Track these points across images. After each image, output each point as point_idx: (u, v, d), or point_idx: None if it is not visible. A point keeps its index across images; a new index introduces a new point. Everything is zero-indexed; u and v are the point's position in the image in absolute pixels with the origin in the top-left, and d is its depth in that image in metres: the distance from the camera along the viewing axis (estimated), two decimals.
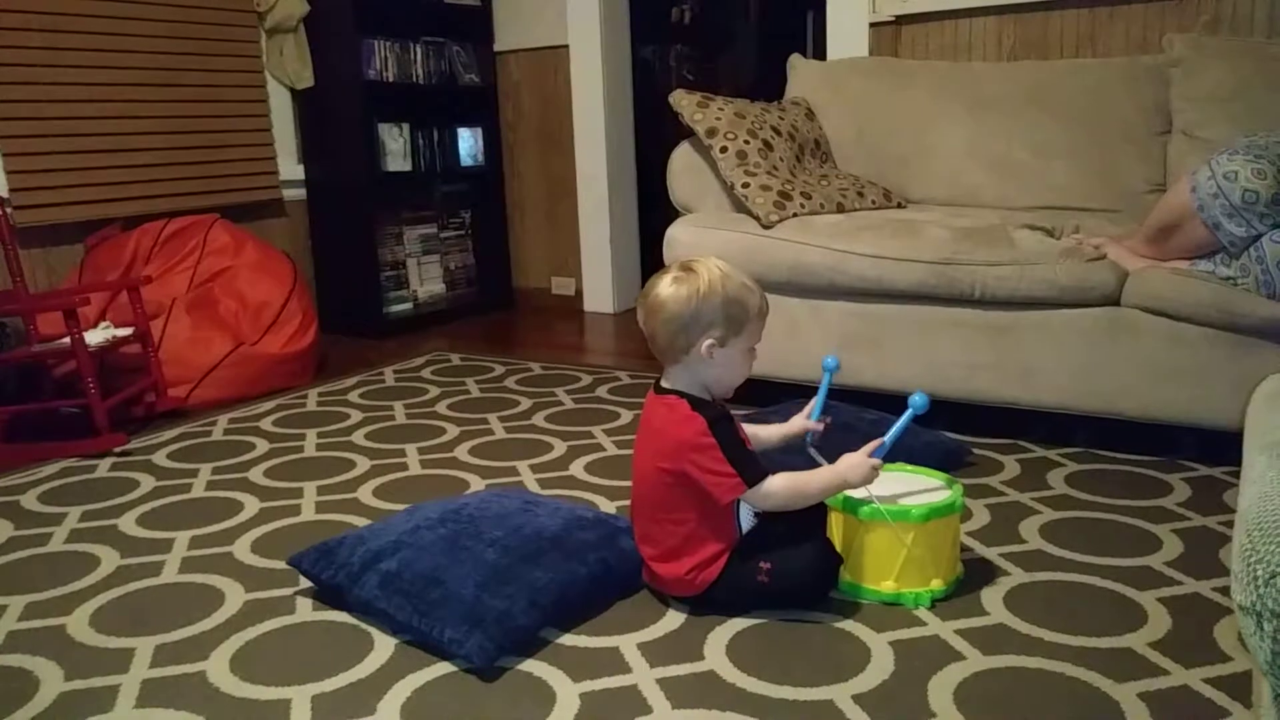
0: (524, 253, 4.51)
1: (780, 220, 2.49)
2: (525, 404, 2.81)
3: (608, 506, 1.98)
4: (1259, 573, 0.82)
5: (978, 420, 2.38)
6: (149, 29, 3.34)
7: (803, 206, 2.56)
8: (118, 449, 2.47)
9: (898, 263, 2.28)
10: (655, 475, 1.52)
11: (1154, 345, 2.08)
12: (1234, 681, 1.31)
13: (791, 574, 1.50)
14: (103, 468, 2.36)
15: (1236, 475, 1.31)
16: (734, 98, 2.80)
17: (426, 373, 3.21)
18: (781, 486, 1.49)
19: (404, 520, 1.66)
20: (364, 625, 1.53)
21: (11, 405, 2.62)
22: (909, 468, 1.73)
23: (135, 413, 2.79)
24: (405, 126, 4.01)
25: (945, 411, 2.30)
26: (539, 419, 2.66)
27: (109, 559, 1.83)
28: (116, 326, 2.76)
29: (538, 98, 4.29)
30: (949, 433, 2.30)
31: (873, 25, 3.36)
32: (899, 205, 2.81)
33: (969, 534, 1.81)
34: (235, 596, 1.66)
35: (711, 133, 2.63)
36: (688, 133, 2.74)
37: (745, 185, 2.55)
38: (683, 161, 2.76)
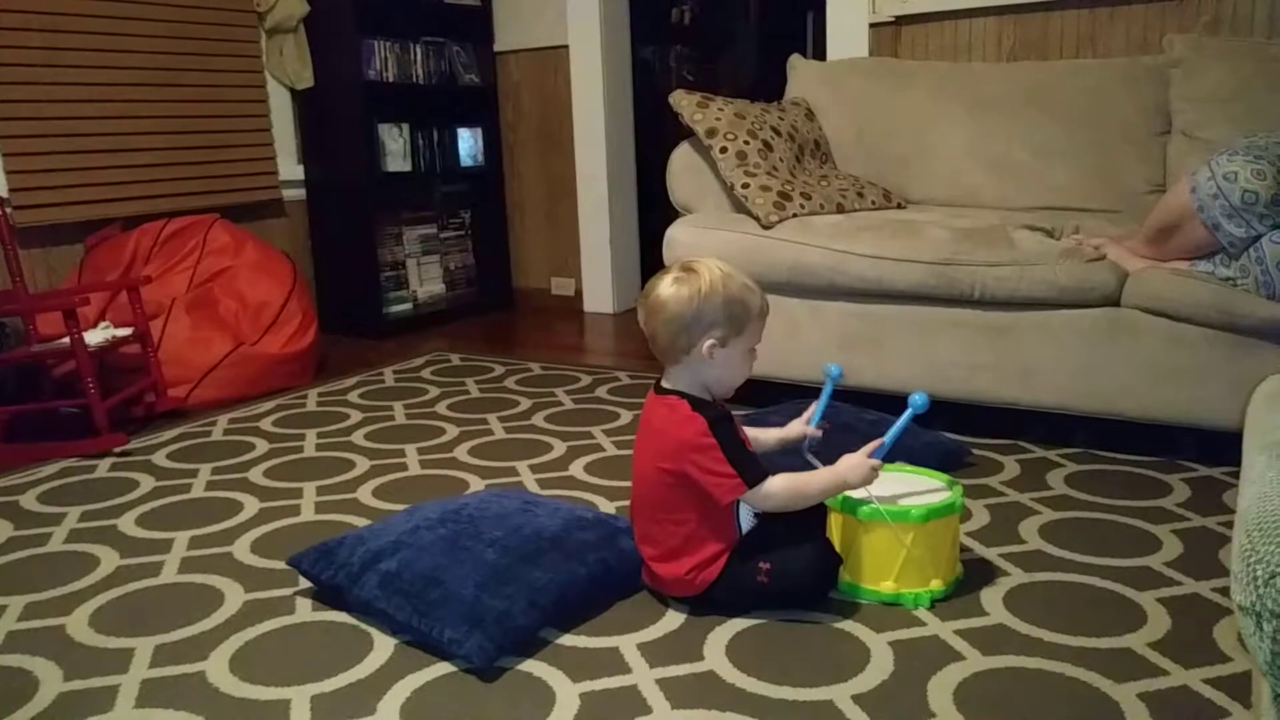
0: (524, 253, 4.52)
1: (780, 221, 2.49)
2: (525, 404, 2.81)
3: (607, 507, 1.98)
4: (1258, 573, 0.82)
5: (977, 421, 2.38)
6: (149, 29, 3.34)
7: (802, 207, 2.56)
8: (117, 449, 2.47)
9: (898, 263, 2.29)
10: (655, 475, 1.52)
11: (1154, 346, 2.08)
12: (1234, 682, 1.31)
13: (791, 574, 1.50)
14: (102, 468, 2.36)
15: (1236, 476, 1.31)
16: (734, 98, 2.80)
17: (426, 373, 3.21)
18: (782, 487, 1.49)
19: (404, 520, 1.66)
20: (364, 625, 1.53)
21: (11, 405, 2.62)
22: (909, 468, 1.73)
23: (135, 413, 2.79)
24: (405, 127, 4.01)
25: (945, 412, 2.30)
26: (539, 419, 2.66)
27: (108, 559, 1.83)
28: (116, 326, 2.76)
29: (538, 98, 4.29)
30: (949, 433, 2.30)
31: (872, 26, 3.36)
32: (899, 206, 2.81)
33: (968, 534, 1.81)
34: (235, 597, 1.66)
35: (711, 133, 2.63)
36: (687, 133, 2.74)
37: (745, 186, 2.55)
38: (682, 162, 2.76)
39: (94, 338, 2.62)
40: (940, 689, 1.32)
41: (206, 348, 2.90)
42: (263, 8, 3.66)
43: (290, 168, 3.90)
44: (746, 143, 2.62)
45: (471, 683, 1.37)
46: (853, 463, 1.52)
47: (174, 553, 1.85)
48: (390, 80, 3.95)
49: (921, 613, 1.53)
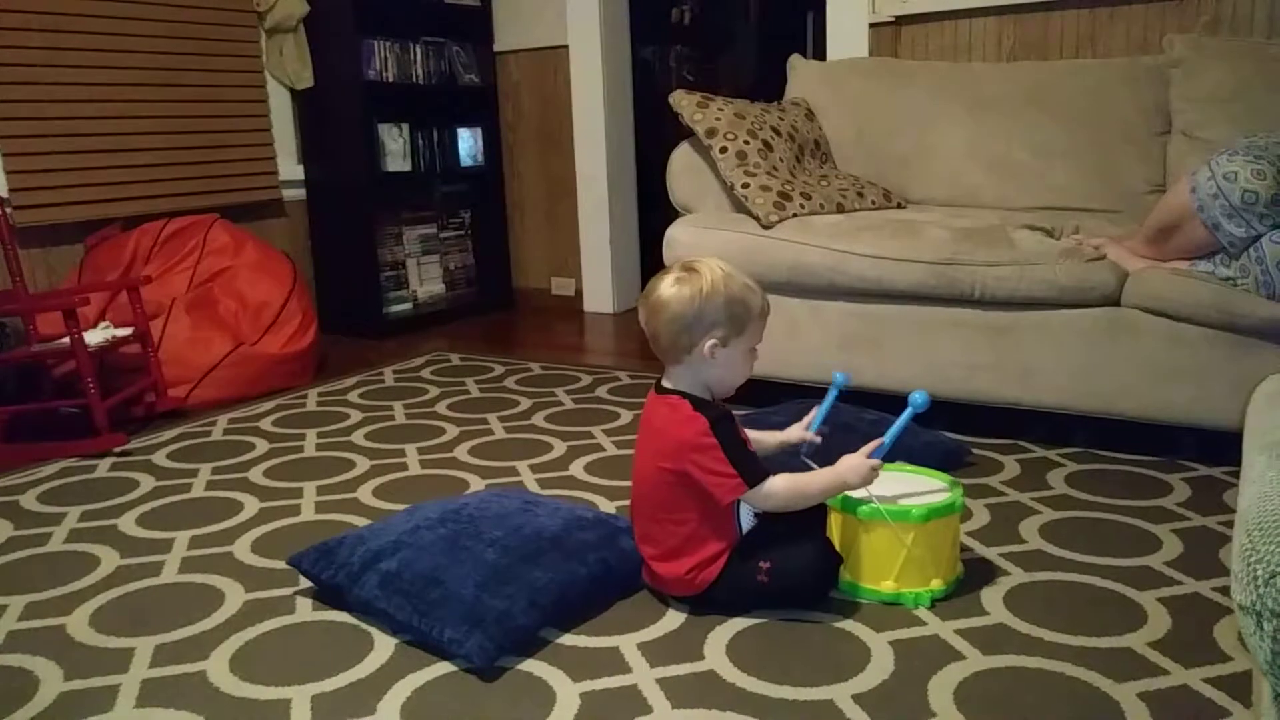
0: (524, 253, 4.52)
1: (780, 220, 2.49)
2: (525, 404, 2.81)
3: (607, 506, 1.98)
4: (1259, 572, 0.82)
5: (977, 420, 2.38)
6: (149, 29, 3.34)
7: (802, 207, 2.56)
8: (117, 449, 2.47)
9: (898, 263, 2.29)
10: (656, 475, 1.52)
11: (1154, 345, 2.08)
12: (1234, 681, 1.31)
13: (791, 573, 1.50)
14: (102, 468, 2.36)
15: (1236, 475, 1.31)
16: (734, 98, 2.80)
17: (426, 373, 3.21)
18: (782, 487, 1.49)
19: (404, 520, 1.66)
20: (364, 625, 1.53)
21: (11, 405, 2.62)
22: (909, 468, 1.73)
23: (135, 413, 2.78)
24: (405, 127, 4.01)
25: (945, 411, 2.30)
26: (539, 419, 2.66)
27: (109, 559, 1.83)
28: (116, 326, 2.76)
29: (537, 98, 4.29)
30: (949, 433, 2.30)
31: (872, 26, 3.36)
32: (899, 206, 2.81)
33: (969, 534, 1.81)
34: (235, 596, 1.66)
35: (711, 133, 2.63)
36: (687, 133, 2.74)
37: (745, 185, 2.55)
38: (682, 162, 2.76)
39: (94, 338, 2.62)
40: (941, 688, 1.32)
41: (206, 348, 2.90)
42: (262, 8, 3.66)
43: (290, 168, 3.90)
44: (746, 143, 2.62)
45: (472, 682, 1.37)
46: (852, 463, 1.52)
47: (174, 552, 1.85)
48: (390, 80, 3.95)
49: (922, 612, 1.53)
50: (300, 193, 3.95)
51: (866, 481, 1.52)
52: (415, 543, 1.56)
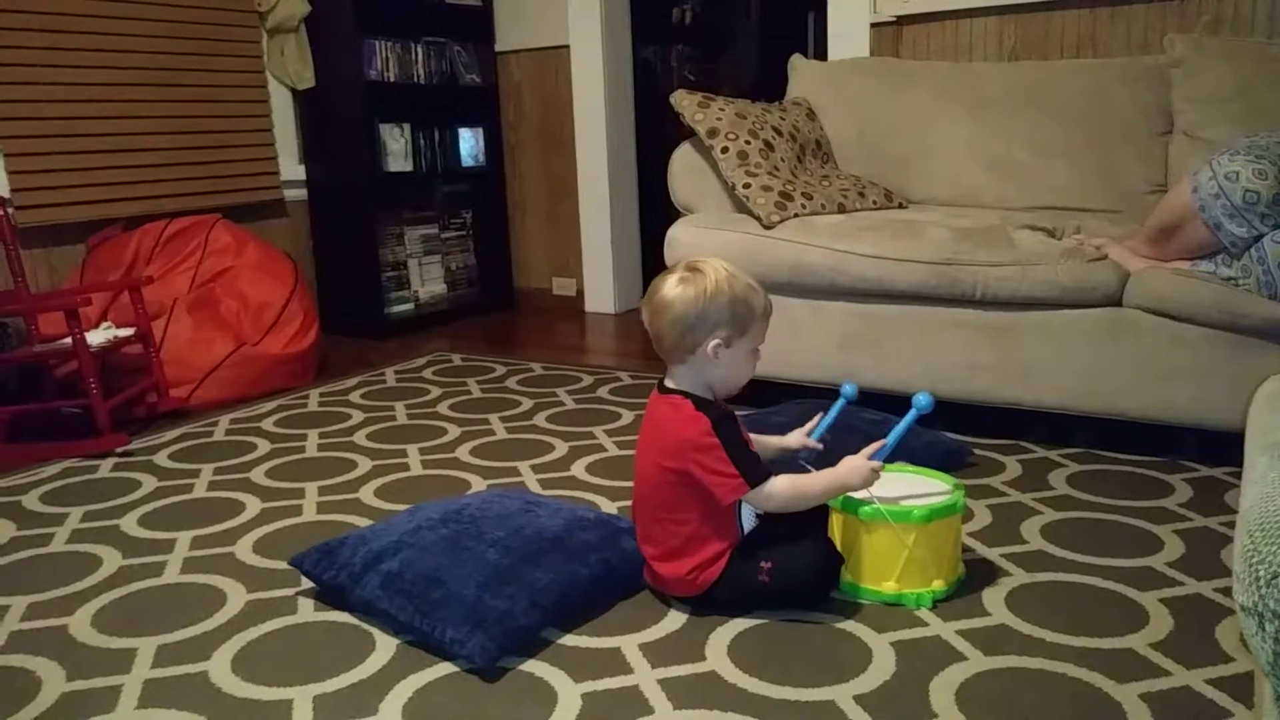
0: (525, 253, 4.52)
1: (781, 221, 2.49)
2: (526, 404, 2.81)
3: (609, 507, 1.98)
4: (1261, 573, 0.82)
5: (978, 421, 2.38)
6: (150, 29, 3.34)
7: (804, 207, 2.56)
8: (119, 449, 2.47)
9: (899, 263, 2.29)
10: (658, 475, 1.52)
11: (1155, 346, 2.08)
12: (1236, 682, 1.31)
13: (793, 574, 1.50)
14: (104, 468, 2.36)
15: (1238, 476, 1.31)
16: (735, 98, 2.80)
17: (428, 373, 3.21)
18: (784, 488, 1.49)
19: (405, 521, 1.66)
20: (365, 625, 1.54)
21: (13, 405, 2.62)
22: (910, 468, 1.73)
23: (137, 413, 2.79)
24: (406, 127, 4.01)
25: (946, 412, 2.29)
26: (540, 419, 2.66)
27: (111, 559, 1.83)
28: (118, 327, 2.76)
29: (539, 98, 4.29)
30: (950, 433, 2.30)
31: (874, 25, 3.36)
32: (900, 206, 2.81)
33: (970, 534, 1.81)
34: (237, 597, 1.66)
35: (713, 133, 2.63)
36: (689, 133, 2.74)
37: (746, 186, 2.55)
38: (684, 162, 2.76)
39: (96, 338, 2.62)
40: (942, 689, 1.32)
41: (208, 348, 2.90)
42: (264, 8, 3.67)
43: (292, 168, 3.90)
44: (748, 143, 2.62)
45: (473, 683, 1.37)
46: (854, 465, 1.52)
47: (176, 553, 1.85)
48: (391, 80, 3.95)
49: (923, 613, 1.53)
50: (302, 193, 3.95)
51: (867, 483, 1.52)
52: (417, 543, 1.56)
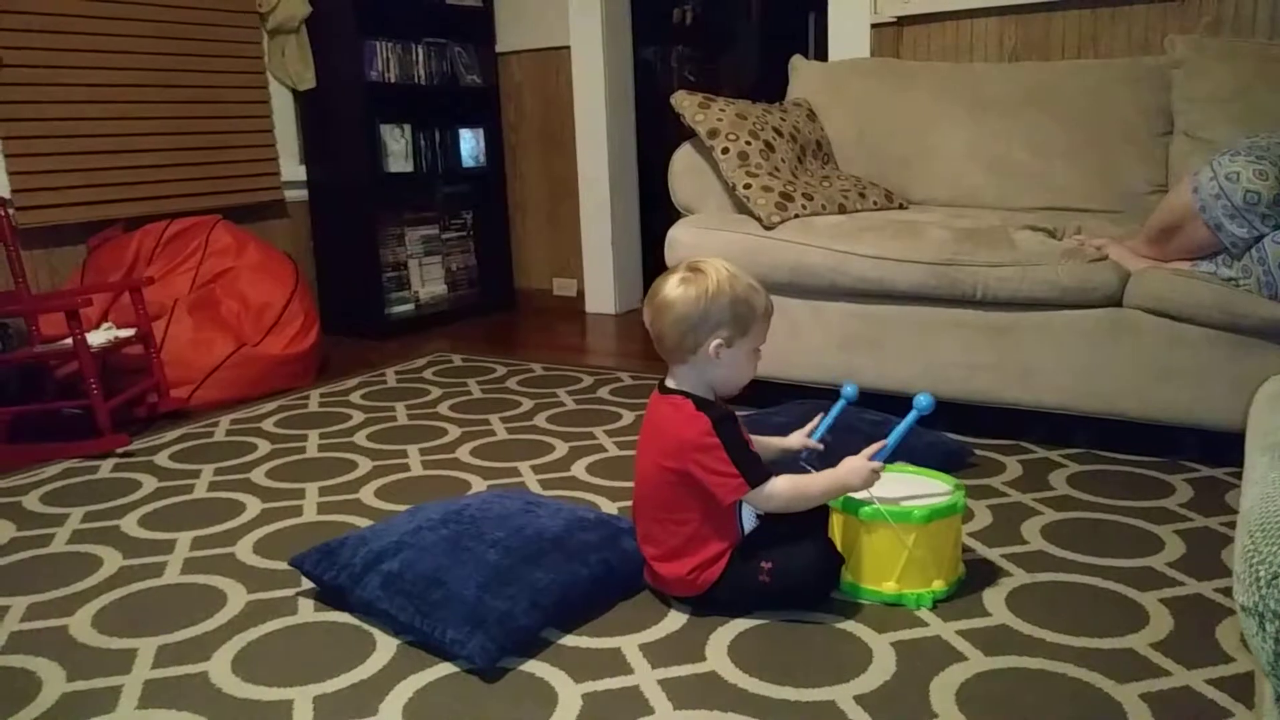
0: (525, 254, 4.52)
1: (782, 221, 2.49)
2: (527, 405, 2.81)
3: (609, 507, 1.98)
4: (1261, 574, 0.82)
5: (979, 421, 2.37)
6: (151, 30, 3.34)
7: (804, 208, 2.56)
8: (120, 450, 2.47)
9: (899, 264, 2.29)
10: (658, 475, 1.52)
11: (1155, 346, 2.08)
12: (1236, 682, 1.31)
13: (793, 574, 1.50)
14: (105, 468, 2.36)
15: (1238, 476, 1.31)
16: (735, 99, 2.80)
17: (428, 374, 3.21)
18: (784, 488, 1.49)
19: (406, 521, 1.66)
20: (366, 626, 1.54)
21: (14, 406, 2.62)
22: (911, 468, 1.73)
23: (137, 413, 2.79)
24: (407, 127, 4.01)
25: (946, 412, 2.28)
26: (540, 420, 2.66)
27: (111, 560, 1.83)
28: (119, 327, 2.76)
29: (539, 99, 4.29)
30: (950, 433, 2.29)
31: (874, 26, 3.36)
32: (900, 206, 2.81)
33: (970, 535, 1.81)
34: (237, 597, 1.66)
35: (713, 134, 2.63)
36: (689, 134, 2.74)
37: (747, 186, 2.55)
38: (684, 163, 2.76)
39: (96, 339, 2.62)
40: (942, 689, 1.32)
41: (209, 349, 2.90)
42: (265, 8, 3.67)
43: (292, 168, 3.91)
44: (748, 143, 2.62)
45: (474, 683, 1.37)
46: (854, 465, 1.52)
47: (176, 553, 1.85)
48: (392, 81, 3.96)
49: (923, 613, 1.53)
50: (302, 193, 3.96)
51: (868, 484, 1.52)
52: (417, 543, 1.56)
